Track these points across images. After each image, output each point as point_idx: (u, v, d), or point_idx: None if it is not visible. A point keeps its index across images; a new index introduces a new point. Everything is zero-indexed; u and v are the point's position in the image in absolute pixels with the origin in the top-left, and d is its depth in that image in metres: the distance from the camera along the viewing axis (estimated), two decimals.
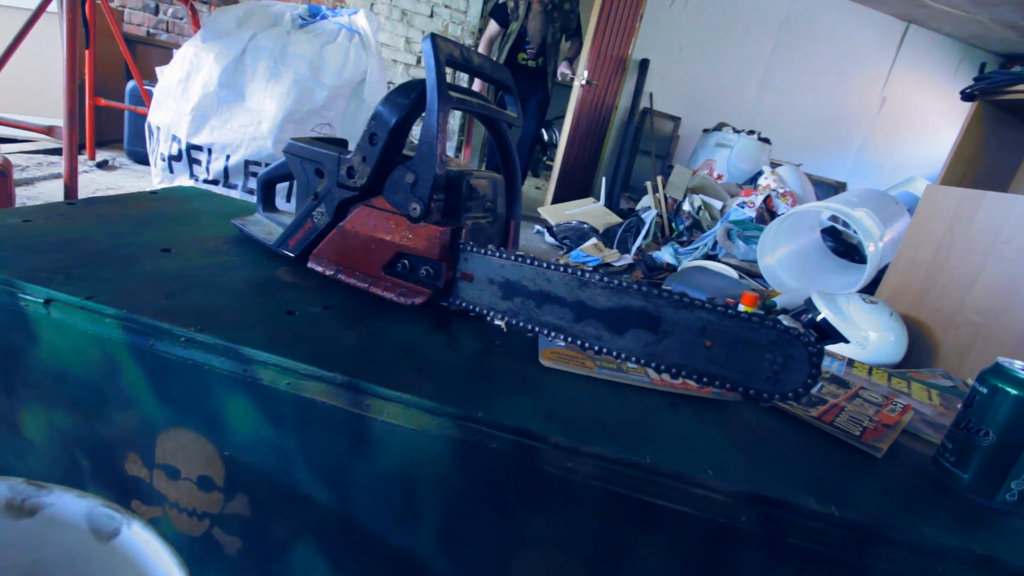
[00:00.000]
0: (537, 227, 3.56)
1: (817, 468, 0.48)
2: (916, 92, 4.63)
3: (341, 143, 0.71)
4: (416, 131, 0.58)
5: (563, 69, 3.50)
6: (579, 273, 0.50)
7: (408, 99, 0.56)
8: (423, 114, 0.55)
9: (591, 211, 3.43)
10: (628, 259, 2.68)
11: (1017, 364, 0.49)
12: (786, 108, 4.47)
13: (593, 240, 2.89)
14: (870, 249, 1.99)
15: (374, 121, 0.57)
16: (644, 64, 4.21)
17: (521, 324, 0.54)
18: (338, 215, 0.63)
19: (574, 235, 3.06)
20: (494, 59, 2.83)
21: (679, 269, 2.52)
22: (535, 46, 3.29)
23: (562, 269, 0.51)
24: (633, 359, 0.49)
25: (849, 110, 4.62)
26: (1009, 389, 0.46)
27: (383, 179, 0.59)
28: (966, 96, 1.76)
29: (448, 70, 0.54)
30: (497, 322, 0.57)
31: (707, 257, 2.75)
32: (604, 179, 3.72)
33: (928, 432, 0.60)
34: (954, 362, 1.71)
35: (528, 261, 0.53)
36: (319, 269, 0.65)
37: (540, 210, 3.61)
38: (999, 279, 1.64)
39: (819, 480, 0.46)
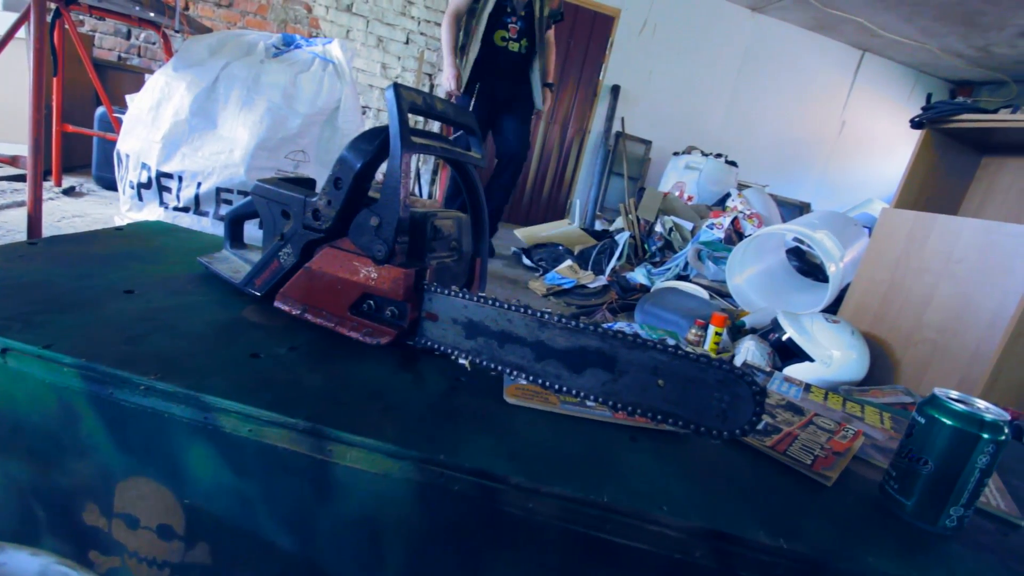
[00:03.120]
0: (513, 248, 3.59)
1: (769, 499, 0.50)
2: (873, 116, 4.86)
3: (308, 183, 0.72)
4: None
5: (544, 98, 2.67)
6: (538, 314, 0.52)
7: (372, 145, 0.57)
8: (387, 159, 0.57)
9: (566, 233, 3.48)
10: (602, 280, 2.72)
11: (952, 395, 0.52)
12: (751, 132, 4.64)
13: (568, 262, 2.93)
14: (831, 269, 2.07)
15: (339, 166, 0.58)
16: (615, 90, 4.33)
17: (484, 363, 0.55)
18: (304, 256, 0.64)
19: (549, 257, 3.09)
20: (462, 41, 2.42)
21: (652, 290, 2.57)
22: (520, 19, 2.44)
23: (522, 310, 0.52)
24: (592, 397, 0.50)
25: (811, 133, 4.82)
26: (945, 420, 0.49)
27: (348, 221, 0.60)
28: (915, 124, 1.86)
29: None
30: (461, 361, 0.58)
31: (679, 278, 2.81)
32: (578, 201, 3.79)
33: (877, 458, 0.63)
34: (914, 378, 1.77)
35: (490, 302, 0.54)
36: (285, 308, 0.65)
37: (516, 232, 3.64)
38: (952, 298, 1.72)
39: (770, 512, 0.48)
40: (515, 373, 0.54)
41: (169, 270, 0.76)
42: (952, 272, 1.73)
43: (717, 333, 1.91)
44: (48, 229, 1.91)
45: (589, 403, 0.55)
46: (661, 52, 4.37)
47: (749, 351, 1.80)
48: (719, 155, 3.89)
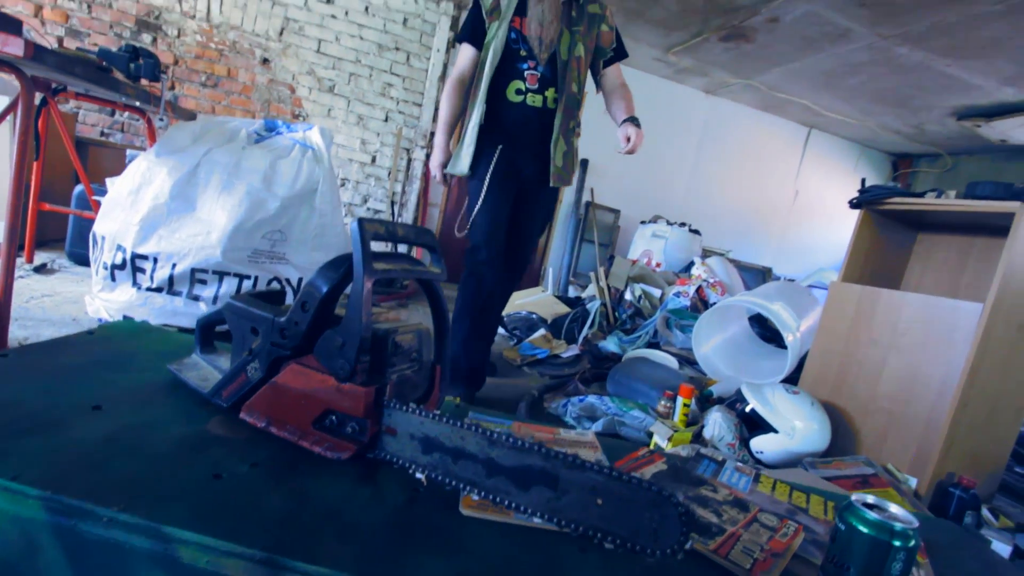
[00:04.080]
0: None
1: None
2: (823, 186, 5.23)
3: (278, 297, 0.77)
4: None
5: (626, 135, 1.76)
6: (489, 433, 0.56)
7: (337, 273, 0.63)
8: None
9: (540, 300, 3.56)
10: (575, 350, 2.77)
11: (868, 499, 0.57)
12: (712, 201, 4.93)
13: (541, 331, 2.98)
14: (789, 339, 2.16)
15: (307, 290, 0.63)
16: (584, 163, 4.59)
17: (439, 478, 0.58)
18: (271, 371, 0.67)
19: (523, 326, 3.15)
20: (464, 104, 1.84)
21: (623, 359, 2.63)
22: (539, 61, 1.75)
23: (473, 429, 0.56)
24: (538, 514, 0.54)
25: (768, 202, 5.13)
26: (860, 528, 0.54)
27: (314, 340, 0.64)
28: (853, 205, 2.02)
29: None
30: (418, 475, 0.61)
31: (649, 345, 2.88)
32: (551, 269, 3.90)
33: (815, 555, 0.66)
34: (874, 448, 1.82)
35: (445, 419, 0.58)
36: (251, 421, 0.68)
37: None
38: (901, 369, 1.81)
39: None
40: (468, 488, 0.57)
41: (139, 379, 0.78)
42: (899, 344, 1.83)
43: (685, 404, 1.95)
44: (16, 311, 1.90)
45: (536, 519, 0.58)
46: None
47: (716, 423, 1.85)
48: (683, 224, 4.09)
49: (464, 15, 4.22)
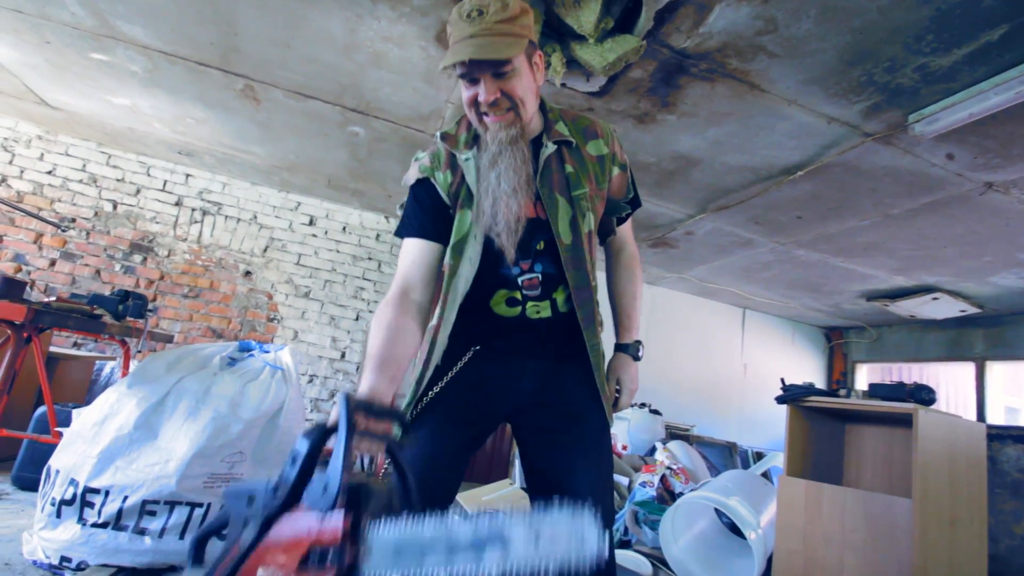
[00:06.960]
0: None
1: None
2: (767, 358, 5.62)
3: None
4: None
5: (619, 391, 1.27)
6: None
7: (320, 430, 0.74)
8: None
9: (507, 496, 3.47)
10: None
11: None
12: (669, 381, 5.18)
13: None
14: (751, 537, 2.17)
15: (294, 447, 0.73)
16: None
17: None
18: (263, 531, 0.71)
19: None
20: (414, 332, 1.08)
21: None
22: (539, 259, 1.15)
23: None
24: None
25: (720, 377, 5.43)
26: None
27: (302, 491, 0.71)
28: (780, 401, 2.22)
29: None
30: None
31: (621, 544, 2.79)
32: (519, 459, 3.87)
33: None
34: None
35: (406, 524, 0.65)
36: None
37: (458, 497, 3.60)
38: (859, 569, 1.82)
39: None
40: None
41: None
42: (850, 542, 1.87)
43: None
44: None
45: None
46: None
47: None
48: (643, 404, 4.25)
49: None
